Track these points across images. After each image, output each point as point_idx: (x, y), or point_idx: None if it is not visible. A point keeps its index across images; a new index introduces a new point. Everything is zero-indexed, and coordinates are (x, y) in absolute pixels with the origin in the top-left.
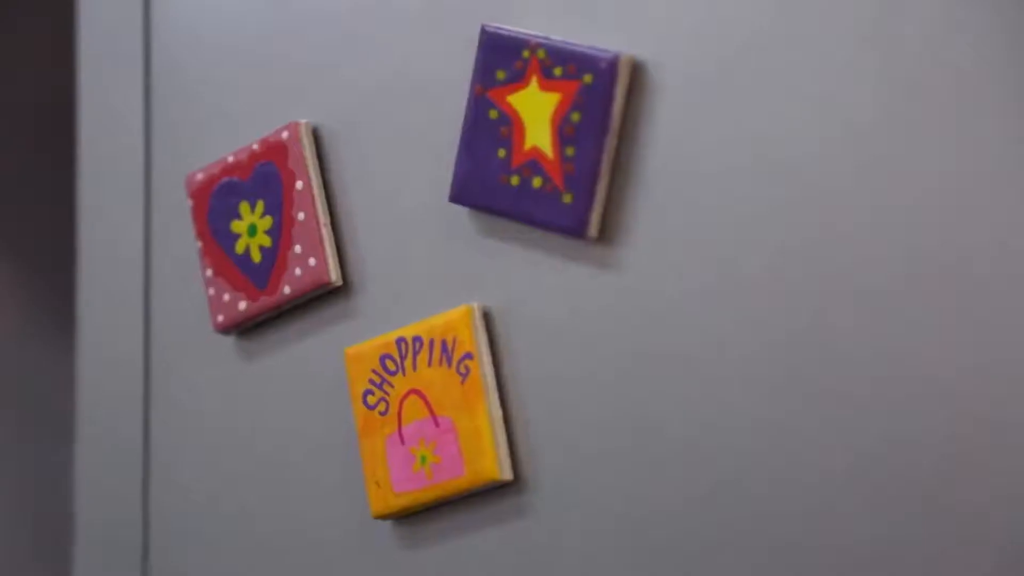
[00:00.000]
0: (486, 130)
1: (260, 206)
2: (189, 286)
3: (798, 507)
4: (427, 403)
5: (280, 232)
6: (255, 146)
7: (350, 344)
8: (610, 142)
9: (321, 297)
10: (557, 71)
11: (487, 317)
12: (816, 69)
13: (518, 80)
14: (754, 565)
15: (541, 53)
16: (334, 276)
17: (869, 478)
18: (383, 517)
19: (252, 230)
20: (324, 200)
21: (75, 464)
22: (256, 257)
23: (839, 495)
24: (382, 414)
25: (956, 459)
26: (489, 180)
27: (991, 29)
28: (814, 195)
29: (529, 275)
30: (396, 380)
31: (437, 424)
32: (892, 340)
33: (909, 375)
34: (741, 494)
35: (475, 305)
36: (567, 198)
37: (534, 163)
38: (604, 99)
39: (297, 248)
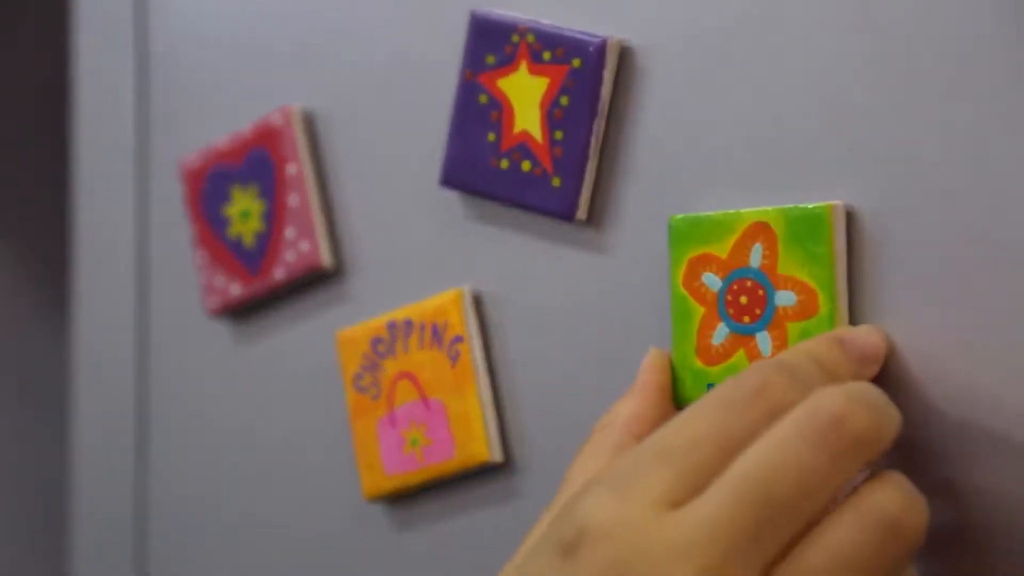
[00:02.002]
0: (476, 114)
1: (253, 191)
2: (184, 271)
3: None
4: (418, 386)
5: (273, 217)
6: (247, 131)
7: (342, 328)
8: (599, 125)
9: (314, 281)
10: (546, 55)
11: (477, 300)
12: (806, 51)
13: (507, 64)
14: None
15: (530, 37)
16: (327, 260)
17: None
18: (375, 499)
19: (245, 215)
20: (317, 184)
21: (70, 452)
22: (249, 242)
23: None
24: (374, 398)
25: None
26: (479, 164)
27: (984, 13)
28: (804, 180)
29: (519, 258)
30: (387, 363)
31: (428, 407)
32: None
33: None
34: None
35: (465, 288)
36: (556, 181)
37: (523, 147)
38: (592, 83)
39: (289, 233)
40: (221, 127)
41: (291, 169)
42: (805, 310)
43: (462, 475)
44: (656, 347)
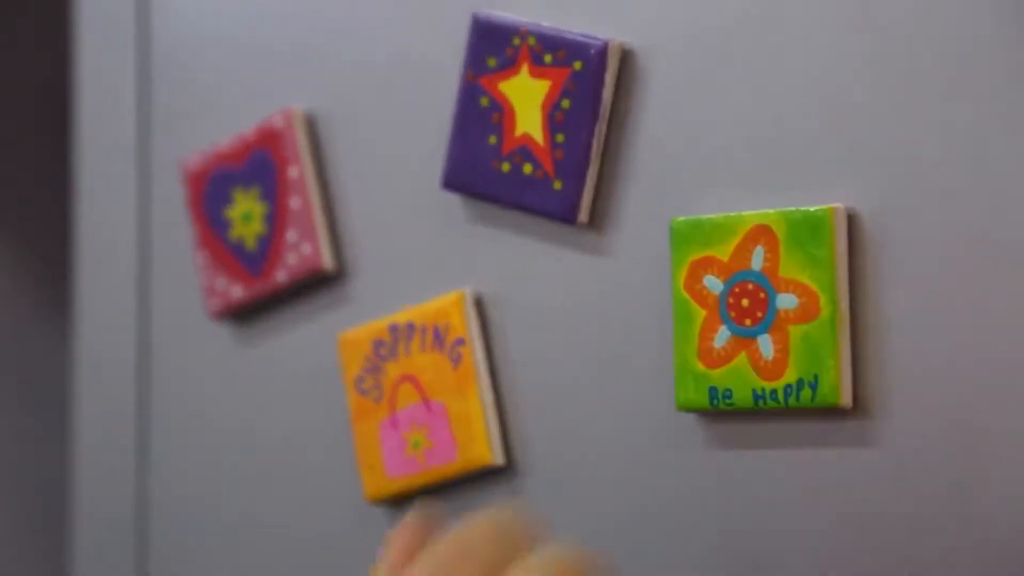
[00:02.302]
0: (477, 117)
1: (254, 193)
2: (185, 273)
3: (795, 492)
4: (420, 388)
5: (274, 219)
6: (249, 132)
7: (344, 330)
8: (600, 128)
9: (315, 284)
10: (547, 58)
11: (479, 303)
12: (806, 53)
13: (509, 67)
14: (751, 553)
15: (532, 40)
16: (328, 263)
17: None
18: (377, 502)
19: (246, 217)
20: (318, 187)
21: (71, 453)
22: (250, 244)
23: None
24: (375, 400)
25: None
26: (480, 167)
27: (984, 13)
28: (804, 180)
29: (520, 261)
30: (389, 366)
31: (429, 409)
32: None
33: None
34: (737, 479)
35: (467, 291)
36: (557, 184)
37: (525, 150)
38: (594, 86)
39: (291, 235)
40: (223, 128)
41: (293, 171)
42: (807, 313)
43: (464, 477)
44: (416, 508)
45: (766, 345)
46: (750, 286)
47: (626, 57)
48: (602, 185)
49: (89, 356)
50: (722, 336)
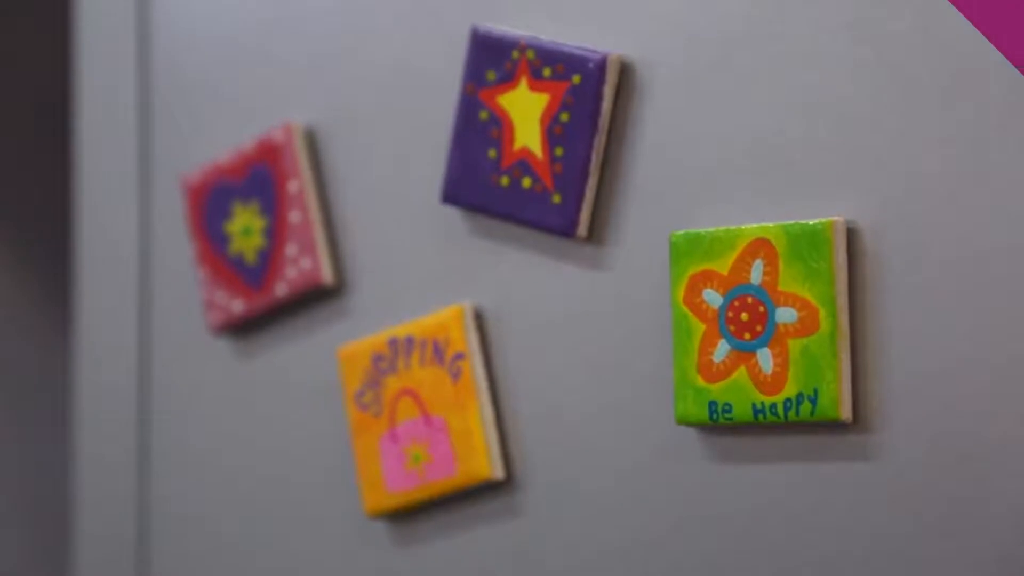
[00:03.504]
0: (476, 131)
1: (254, 207)
2: (186, 287)
3: (795, 505)
4: (419, 403)
5: (274, 233)
6: (249, 147)
7: (344, 344)
8: (599, 142)
9: (315, 297)
10: (546, 71)
11: (479, 317)
12: (806, 63)
13: (508, 81)
14: (751, 566)
15: (530, 54)
16: (328, 277)
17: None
18: (376, 516)
19: (246, 231)
20: (318, 201)
21: (73, 465)
22: (250, 258)
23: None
24: (375, 415)
25: None
26: (480, 180)
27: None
28: (806, 190)
29: (520, 275)
30: (389, 380)
31: (429, 423)
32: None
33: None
34: (737, 493)
35: (466, 305)
36: (556, 198)
37: (524, 163)
38: (593, 99)
39: (291, 249)
40: (225, 143)
41: (292, 186)
42: (806, 327)
43: (463, 492)
44: None
45: (765, 359)
46: (749, 300)
47: (625, 70)
48: (601, 199)
49: (90, 371)
50: (721, 350)
